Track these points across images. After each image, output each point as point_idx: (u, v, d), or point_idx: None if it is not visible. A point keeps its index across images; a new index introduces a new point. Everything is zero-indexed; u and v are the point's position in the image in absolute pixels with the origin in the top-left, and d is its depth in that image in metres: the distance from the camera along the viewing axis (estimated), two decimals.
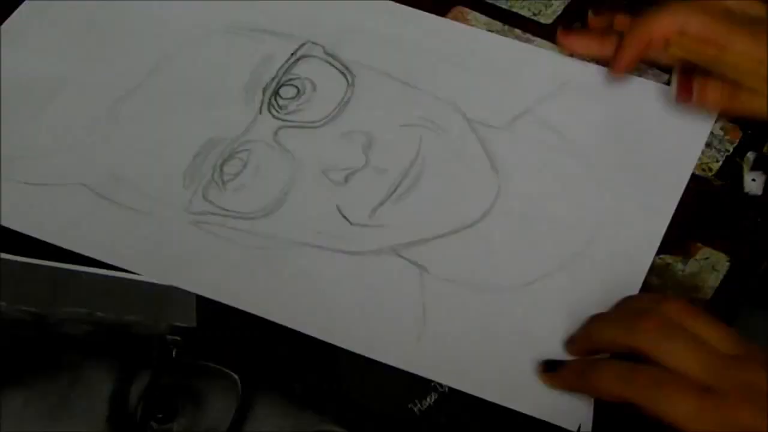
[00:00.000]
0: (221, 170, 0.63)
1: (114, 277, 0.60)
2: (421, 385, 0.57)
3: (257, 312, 0.58)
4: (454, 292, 0.59)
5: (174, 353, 0.57)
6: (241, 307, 0.58)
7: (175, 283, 0.59)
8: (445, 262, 0.60)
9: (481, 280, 0.60)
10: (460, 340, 0.58)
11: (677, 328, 0.52)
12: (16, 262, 0.60)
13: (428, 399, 0.56)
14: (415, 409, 0.56)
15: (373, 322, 0.58)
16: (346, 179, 0.63)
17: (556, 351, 0.57)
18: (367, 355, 0.57)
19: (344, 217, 0.62)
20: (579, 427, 0.55)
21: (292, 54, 0.68)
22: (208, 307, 0.59)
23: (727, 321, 0.57)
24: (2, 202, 0.63)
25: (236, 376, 0.56)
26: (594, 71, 0.68)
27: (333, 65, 0.68)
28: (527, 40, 0.70)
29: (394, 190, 0.62)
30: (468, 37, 0.70)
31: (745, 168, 0.65)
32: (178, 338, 0.58)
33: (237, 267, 0.60)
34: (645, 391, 0.50)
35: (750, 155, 0.66)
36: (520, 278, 0.60)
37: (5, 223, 0.62)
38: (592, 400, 0.55)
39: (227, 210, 0.62)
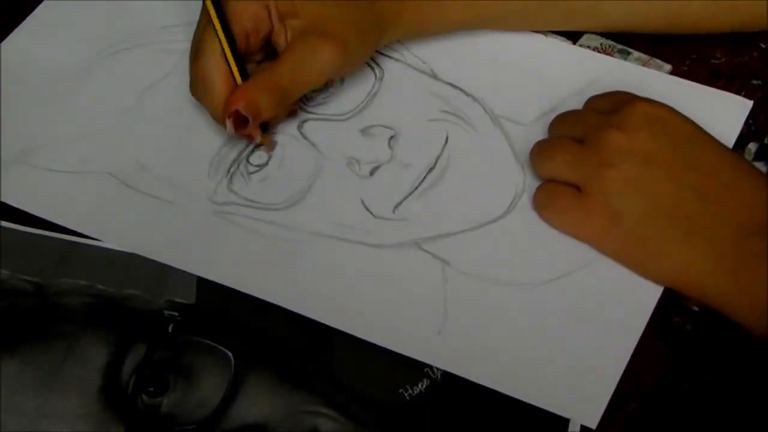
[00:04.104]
0: (247, 161, 0.72)
1: (116, 250, 0.69)
2: (413, 371, 0.64)
3: (279, 302, 0.66)
4: (475, 287, 0.67)
5: (170, 328, 0.66)
6: (262, 298, 0.66)
7: (197, 273, 0.68)
8: (467, 257, 0.68)
9: (504, 275, 0.68)
10: (480, 334, 0.65)
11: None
12: (20, 232, 0.70)
13: (419, 385, 0.64)
14: (406, 395, 0.63)
15: (394, 315, 0.66)
16: (371, 173, 0.72)
17: (577, 348, 0.64)
18: (387, 347, 0.65)
19: (368, 210, 0.70)
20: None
21: None
22: (207, 285, 0.68)
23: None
24: (28, 189, 0.72)
25: (230, 354, 0.65)
26: (623, 68, 0.77)
27: None
28: None
29: (419, 185, 0.71)
30: (499, 32, 0.78)
31: (747, 159, 0.72)
32: (176, 314, 0.66)
33: (259, 257, 0.69)
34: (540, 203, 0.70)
35: (752, 146, 0.73)
36: (542, 274, 0.68)
37: (30, 210, 0.71)
38: (609, 396, 0.63)
39: (251, 201, 0.71)
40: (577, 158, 0.68)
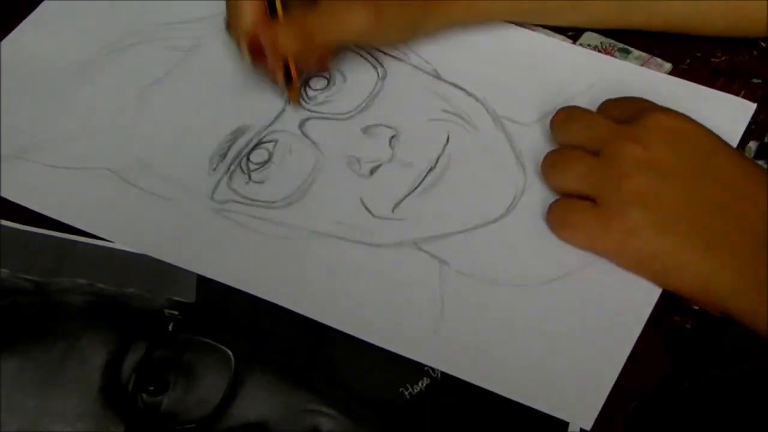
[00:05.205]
0: (247, 159, 0.74)
1: (117, 249, 0.70)
2: (413, 370, 0.65)
3: (277, 300, 0.67)
4: (473, 287, 0.68)
5: (170, 327, 0.67)
6: (260, 296, 0.68)
7: (196, 270, 0.69)
8: (466, 257, 0.69)
9: (502, 276, 0.69)
10: (477, 335, 0.66)
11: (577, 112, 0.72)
12: (21, 230, 0.71)
13: (420, 384, 0.65)
14: (406, 394, 0.64)
15: (391, 314, 0.67)
16: (371, 172, 0.73)
17: (573, 349, 0.65)
18: (383, 346, 0.66)
19: (367, 209, 0.72)
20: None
21: None
22: (207, 284, 0.69)
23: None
24: (28, 184, 0.73)
25: (230, 353, 0.66)
26: (623, 68, 0.78)
27: (364, 57, 0.79)
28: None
29: (419, 185, 0.72)
30: (501, 32, 0.80)
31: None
32: (176, 312, 0.68)
33: (258, 256, 0.70)
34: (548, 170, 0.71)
35: (752, 144, 0.74)
36: (540, 276, 0.69)
37: (30, 206, 0.72)
38: (604, 398, 0.64)
39: (251, 199, 0.72)
40: (592, 172, 0.68)
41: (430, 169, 0.73)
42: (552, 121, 0.73)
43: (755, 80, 0.77)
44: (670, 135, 0.67)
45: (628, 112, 0.70)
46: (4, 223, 0.71)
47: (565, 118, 0.72)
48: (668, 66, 0.78)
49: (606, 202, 0.67)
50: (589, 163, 0.69)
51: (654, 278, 0.68)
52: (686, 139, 0.67)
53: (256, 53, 0.73)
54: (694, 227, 0.66)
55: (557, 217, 0.70)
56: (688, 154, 0.67)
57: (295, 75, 0.75)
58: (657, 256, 0.66)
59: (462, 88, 0.77)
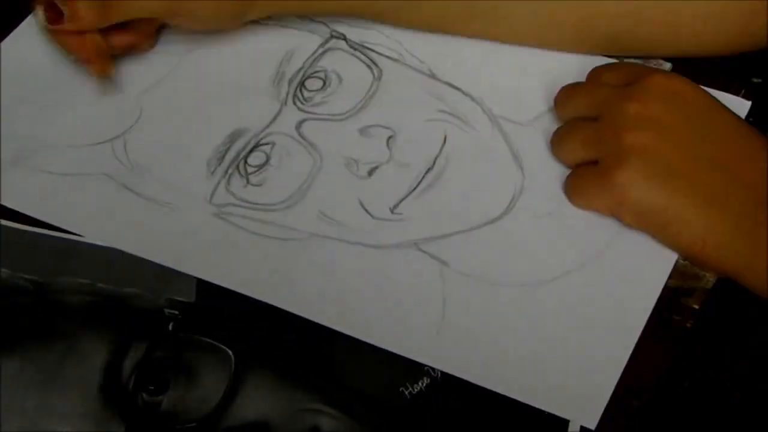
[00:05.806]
0: (245, 162, 0.74)
1: (116, 249, 0.71)
2: (413, 369, 0.66)
3: (277, 303, 0.68)
4: (474, 288, 0.69)
5: (170, 327, 0.68)
6: (261, 299, 0.68)
7: (196, 274, 0.69)
8: (466, 257, 0.70)
9: (502, 276, 0.69)
10: (478, 335, 0.67)
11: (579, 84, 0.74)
12: (21, 230, 0.71)
13: (420, 383, 0.66)
14: (406, 393, 0.65)
15: (392, 316, 0.68)
16: (370, 173, 0.74)
17: (575, 348, 0.66)
18: (385, 347, 0.66)
19: (366, 210, 0.72)
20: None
21: (319, 46, 0.80)
22: (208, 284, 0.70)
23: (728, 311, 0.67)
24: (26, 191, 0.73)
25: (230, 352, 0.67)
26: None
27: (359, 58, 0.79)
28: None
29: (417, 185, 0.73)
30: None
31: None
32: (176, 312, 0.68)
33: (258, 258, 0.70)
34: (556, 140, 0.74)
35: None
36: (540, 275, 0.69)
37: (28, 212, 0.72)
38: (608, 397, 0.65)
39: (249, 202, 0.73)
40: (595, 134, 0.70)
41: (428, 170, 0.74)
42: (555, 100, 0.75)
43: (755, 80, 0.78)
44: (669, 95, 0.69)
45: (626, 77, 0.71)
46: (4, 223, 0.72)
47: (566, 93, 0.74)
48: (668, 65, 0.79)
49: (606, 158, 0.69)
50: (591, 127, 0.70)
51: (655, 233, 0.69)
52: (686, 100, 0.69)
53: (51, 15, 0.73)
54: (693, 183, 0.67)
55: (569, 186, 0.72)
56: (688, 113, 0.68)
57: (97, 47, 0.75)
58: (656, 210, 0.68)
59: (458, 88, 0.78)
